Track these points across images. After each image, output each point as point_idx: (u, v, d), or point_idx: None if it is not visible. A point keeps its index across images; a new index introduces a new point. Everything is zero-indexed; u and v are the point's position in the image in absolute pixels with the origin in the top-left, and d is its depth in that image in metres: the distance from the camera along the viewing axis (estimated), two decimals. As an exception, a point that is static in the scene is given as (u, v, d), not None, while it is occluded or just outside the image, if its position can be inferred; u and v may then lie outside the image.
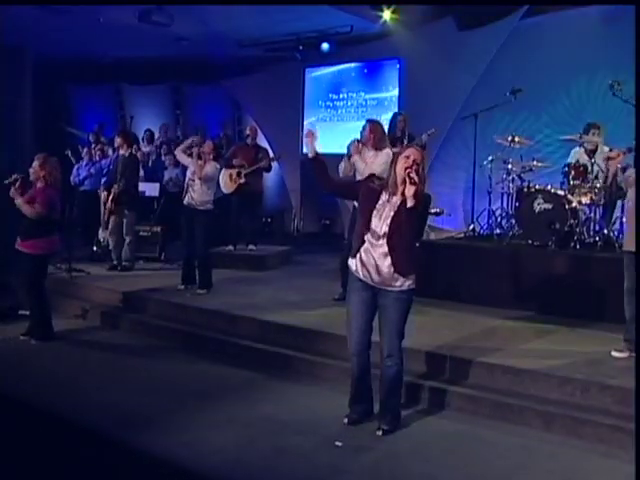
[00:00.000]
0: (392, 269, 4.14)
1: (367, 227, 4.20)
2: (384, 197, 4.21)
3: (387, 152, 6.44)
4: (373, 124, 6.65)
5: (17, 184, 6.54)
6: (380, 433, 4.27)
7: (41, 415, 4.58)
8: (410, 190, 4.05)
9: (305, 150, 4.41)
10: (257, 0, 9.25)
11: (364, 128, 6.67)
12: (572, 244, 6.71)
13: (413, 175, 4.07)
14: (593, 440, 4.16)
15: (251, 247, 9.36)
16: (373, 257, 4.18)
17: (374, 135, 6.51)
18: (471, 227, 7.79)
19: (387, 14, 10.32)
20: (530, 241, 6.88)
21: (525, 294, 6.50)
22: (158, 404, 4.84)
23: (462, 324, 5.97)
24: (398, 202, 4.16)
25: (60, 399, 4.94)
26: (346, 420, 4.40)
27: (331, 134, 12.07)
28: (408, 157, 4.16)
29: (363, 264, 4.22)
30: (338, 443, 4.09)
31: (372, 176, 4.47)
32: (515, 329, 5.88)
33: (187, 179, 7.72)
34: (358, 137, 6.68)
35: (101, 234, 10.06)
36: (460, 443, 4.18)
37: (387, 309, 4.22)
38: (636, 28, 6.59)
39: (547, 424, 4.34)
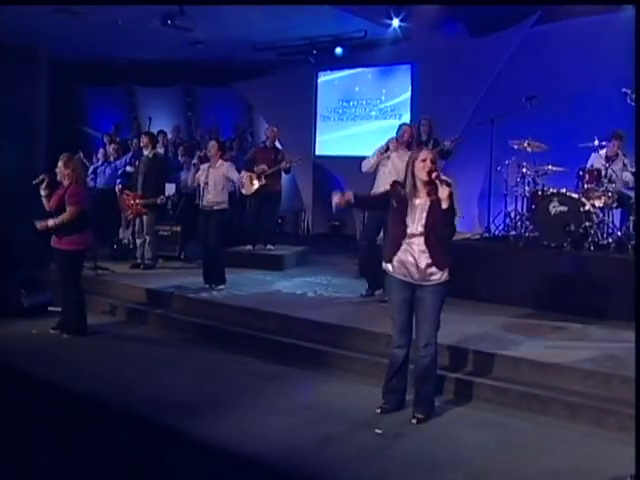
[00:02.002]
0: (431, 265, 4.43)
1: (403, 231, 4.48)
2: (410, 202, 4.48)
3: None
4: (410, 127, 7.13)
5: (44, 184, 6.79)
6: (415, 421, 4.52)
7: (91, 406, 4.80)
8: (445, 192, 4.32)
9: (334, 203, 4.70)
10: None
11: (402, 129, 7.03)
12: (586, 245, 6.96)
13: (444, 177, 4.36)
14: (616, 429, 4.40)
15: (269, 247, 9.60)
16: (412, 256, 4.45)
17: (410, 137, 6.96)
18: (485, 228, 8.06)
19: (396, 22, 10.59)
20: (545, 242, 7.13)
21: (541, 293, 6.74)
22: (200, 395, 5.08)
23: (482, 321, 6.21)
24: (428, 203, 4.43)
25: (105, 390, 5.15)
26: (379, 410, 4.65)
27: (343, 137, 12.36)
28: (425, 160, 4.44)
29: (402, 264, 4.50)
30: (378, 430, 4.35)
31: (396, 183, 4.71)
32: (534, 326, 6.14)
33: (201, 183, 7.88)
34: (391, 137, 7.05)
35: (122, 233, 10.31)
36: (490, 431, 4.44)
37: (426, 301, 4.48)
38: (636, 28, 6.87)
39: (572, 414, 4.59)
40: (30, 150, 12.41)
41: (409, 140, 6.95)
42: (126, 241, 10.21)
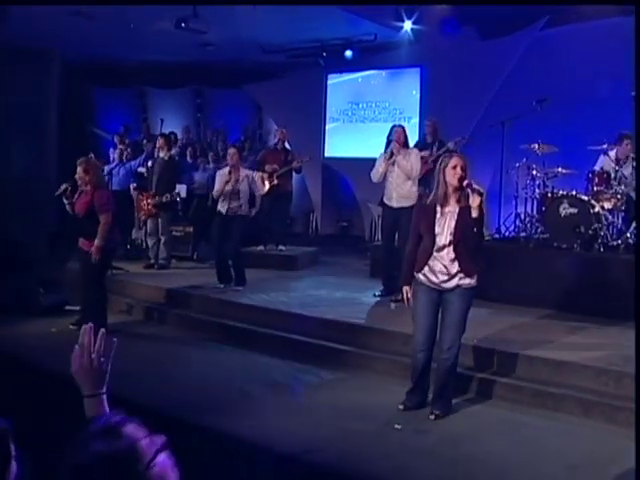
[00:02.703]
0: (460, 272, 4.55)
1: (432, 241, 4.59)
2: (439, 210, 4.58)
3: (415, 150, 7.42)
4: (402, 128, 7.33)
5: (67, 192, 6.92)
6: (433, 417, 4.67)
7: (120, 404, 4.94)
8: (476, 200, 4.41)
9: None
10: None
11: (396, 132, 7.22)
12: (596, 247, 7.08)
13: (476, 186, 4.44)
14: (627, 425, 4.52)
15: (281, 247, 9.74)
16: (442, 264, 4.56)
17: (405, 137, 7.23)
18: (495, 230, 8.19)
19: (408, 25, 10.72)
20: (556, 243, 7.26)
21: (552, 293, 6.87)
22: (222, 392, 5.23)
23: (495, 321, 6.34)
24: (457, 210, 4.54)
25: (127, 387, 5.27)
26: (402, 407, 4.79)
27: (353, 139, 12.49)
28: (455, 167, 4.51)
29: (432, 271, 4.60)
30: (397, 426, 4.49)
31: (421, 198, 4.83)
32: (546, 325, 6.28)
33: (225, 190, 7.87)
34: (387, 141, 7.30)
35: (135, 233, 10.47)
36: (507, 427, 4.58)
37: (452, 305, 4.60)
38: (636, 28, 6.97)
39: (586, 411, 4.73)
40: (41, 151, 12.57)
41: (405, 140, 7.22)
42: (139, 241, 10.36)
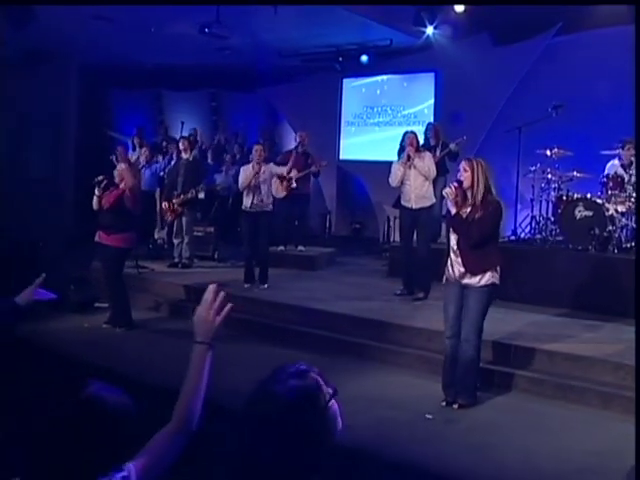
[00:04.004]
0: (466, 271, 4.93)
1: (450, 241, 5.05)
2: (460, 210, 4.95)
3: (428, 153, 7.81)
4: (414, 133, 7.76)
5: (103, 184, 7.22)
6: (456, 406, 4.94)
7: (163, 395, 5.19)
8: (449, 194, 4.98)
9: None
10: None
11: (409, 137, 7.59)
12: (610, 248, 7.34)
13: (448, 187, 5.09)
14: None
15: (300, 248, 10.01)
16: (457, 262, 4.97)
17: (417, 141, 7.67)
18: (512, 232, 8.45)
19: (430, 29, 10.95)
20: (571, 245, 7.51)
21: (567, 293, 7.12)
22: (253, 383, 5.45)
23: (514, 319, 6.59)
24: (467, 210, 4.90)
25: (160, 377, 5.51)
26: (444, 403, 5.04)
27: (367, 142, 12.75)
28: (459, 171, 5.03)
29: (452, 267, 5.00)
30: (429, 416, 4.75)
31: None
32: (563, 323, 6.54)
33: (249, 184, 8.13)
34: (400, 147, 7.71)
35: (157, 234, 10.74)
36: (532, 417, 4.85)
37: (468, 301, 4.92)
38: (636, 28, 7.19)
39: (605, 403, 4.99)
40: (59, 152, 12.83)
41: (417, 144, 7.63)
42: (160, 241, 10.64)
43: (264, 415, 1.65)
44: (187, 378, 1.95)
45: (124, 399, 1.79)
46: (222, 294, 1.97)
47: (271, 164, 8.51)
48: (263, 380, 1.71)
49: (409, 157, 7.38)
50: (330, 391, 1.68)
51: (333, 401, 1.68)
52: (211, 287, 1.98)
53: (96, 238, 7.29)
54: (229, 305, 1.97)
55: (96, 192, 7.23)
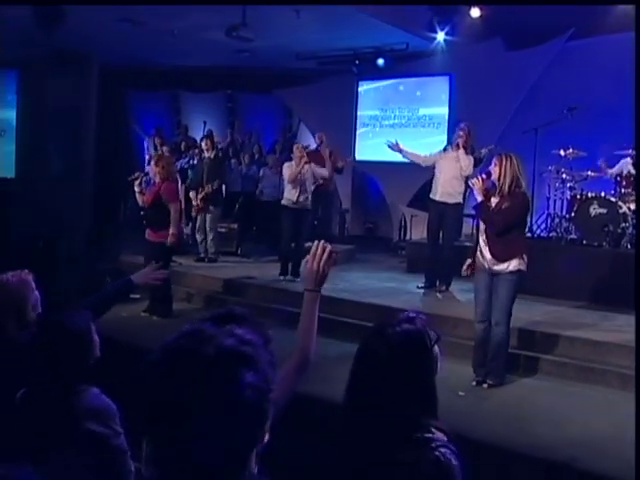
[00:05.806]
0: (492, 257, 5.30)
1: (479, 228, 5.46)
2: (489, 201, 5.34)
3: (470, 156, 7.95)
4: (469, 129, 8.04)
5: (139, 180, 7.58)
6: (486, 386, 5.33)
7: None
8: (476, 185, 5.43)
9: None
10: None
11: (461, 129, 7.97)
12: (624, 244, 7.71)
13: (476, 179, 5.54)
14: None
15: (325, 244, 10.32)
16: (486, 248, 5.36)
17: (467, 138, 7.90)
18: (528, 229, 8.81)
19: (441, 35, 11.35)
20: (586, 241, 7.89)
21: (583, 287, 7.49)
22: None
23: (534, 309, 6.94)
24: (496, 200, 5.28)
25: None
26: (474, 382, 5.42)
27: (382, 144, 13.05)
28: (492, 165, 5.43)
29: (482, 254, 5.38)
30: (461, 393, 5.13)
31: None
32: (580, 314, 6.93)
33: (295, 179, 8.47)
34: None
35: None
36: (555, 396, 5.26)
37: (497, 287, 5.30)
38: (636, 28, 7.55)
39: (624, 384, 5.37)
40: (78, 152, 13.14)
41: (465, 140, 7.90)
42: (184, 237, 10.98)
43: (377, 352, 1.99)
44: (301, 320, 2.27)
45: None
46: (328, 248, 2.26)
47: (312, 165, 8.80)
48: (376, 325, 2.06)
49: (458, 145, 7.72)
50: (435, 336, 2.01)
51: (436, 346, 2.02)
52: (317, 243, 2.27)
53: (146, 235, 7.65)
54: (334, 255, 2.26)
55: (136, 189, 7.58)
